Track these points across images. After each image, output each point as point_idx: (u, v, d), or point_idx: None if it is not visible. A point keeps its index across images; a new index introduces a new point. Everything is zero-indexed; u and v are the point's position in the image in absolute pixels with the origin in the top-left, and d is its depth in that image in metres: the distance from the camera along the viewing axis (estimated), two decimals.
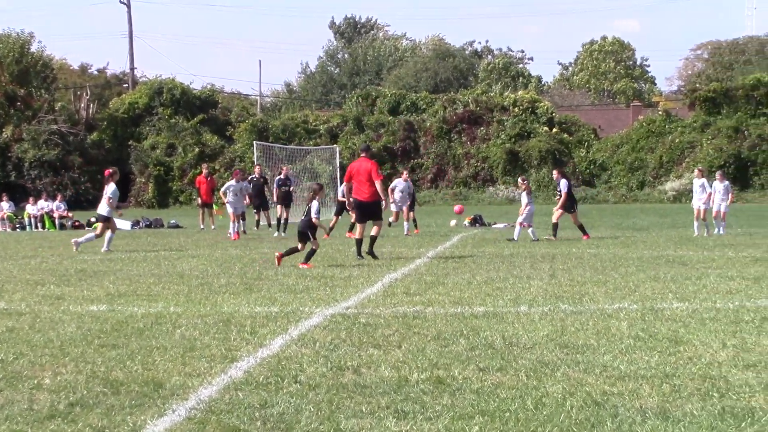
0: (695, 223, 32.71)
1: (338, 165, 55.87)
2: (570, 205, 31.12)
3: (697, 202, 32.79)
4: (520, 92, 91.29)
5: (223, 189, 34.74)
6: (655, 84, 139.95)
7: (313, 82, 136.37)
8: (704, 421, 7.68)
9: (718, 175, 33.92)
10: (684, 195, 72.70)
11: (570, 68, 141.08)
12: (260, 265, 21.85)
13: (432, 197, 77.49)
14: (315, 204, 21.21)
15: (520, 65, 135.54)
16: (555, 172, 33.49)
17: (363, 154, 23.86)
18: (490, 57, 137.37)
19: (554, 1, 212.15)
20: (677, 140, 78.98)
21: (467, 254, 24.59)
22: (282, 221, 35.21)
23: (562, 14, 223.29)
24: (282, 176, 36.77)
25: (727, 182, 33.69)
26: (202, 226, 40.38)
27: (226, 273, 19.93)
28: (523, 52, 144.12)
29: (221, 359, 10.24)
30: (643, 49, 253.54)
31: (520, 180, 32.08)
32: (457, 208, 38.52)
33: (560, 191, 31.11)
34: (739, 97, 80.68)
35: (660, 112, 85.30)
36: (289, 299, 15.22)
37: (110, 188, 27.51)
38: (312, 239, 21.05)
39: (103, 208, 27.54)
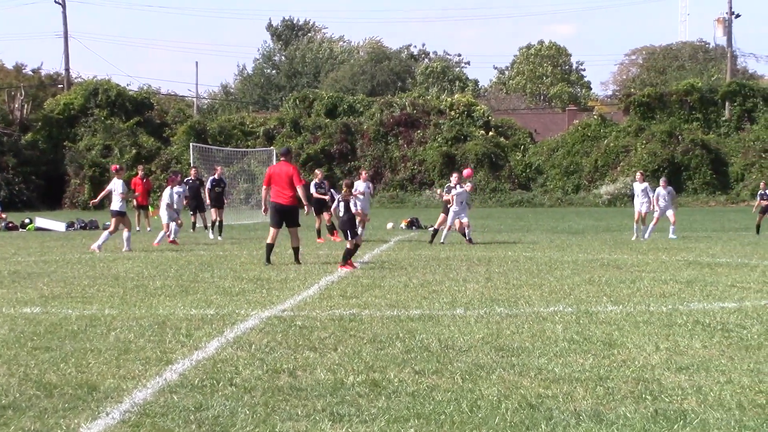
0: (635, 226, 33.02)
1: None
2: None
3: (639, 205, 33.13)
4: (456, 96, 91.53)
5: (166, 200, 32.69)
6: (591, 88, 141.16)
7: (250, 84, 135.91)
8: (637, 423, 7.75)
9: (662, 181, 34.33)
10: (619, 199, 73.46)
11: (506, 72, 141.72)
12: (196, 267, 21.76)
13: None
14: (351, 200, 22.30)
15: (457, 69, 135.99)
16: (455, 176, 33.27)
17: (283, 158, 23.75)
18: (426, 60, 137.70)
19: (491, 6, 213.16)
20: (612, 144, 79.81)
21: (404, 257, 24.65)
22: (217, 224, 34.86)
23: (499, 18, 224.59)
24: (216, 177, 36.22)
25: (670, 188, 34.24)
26: (137, 228, 40.09)
27: (162, 275, 19.81)
28: (460, 55, 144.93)
29: (156, 362, 10.19)
30: (579, 54, 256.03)
31: (455, 176, 31.84)
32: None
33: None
34: (672, 102, 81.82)
35: (595, 117, 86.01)
36: (225, 302, 15.17)
37: (119, 184, 27.74)
38: (351, 237, 21.62)
39: (116, 204, 27.69)
